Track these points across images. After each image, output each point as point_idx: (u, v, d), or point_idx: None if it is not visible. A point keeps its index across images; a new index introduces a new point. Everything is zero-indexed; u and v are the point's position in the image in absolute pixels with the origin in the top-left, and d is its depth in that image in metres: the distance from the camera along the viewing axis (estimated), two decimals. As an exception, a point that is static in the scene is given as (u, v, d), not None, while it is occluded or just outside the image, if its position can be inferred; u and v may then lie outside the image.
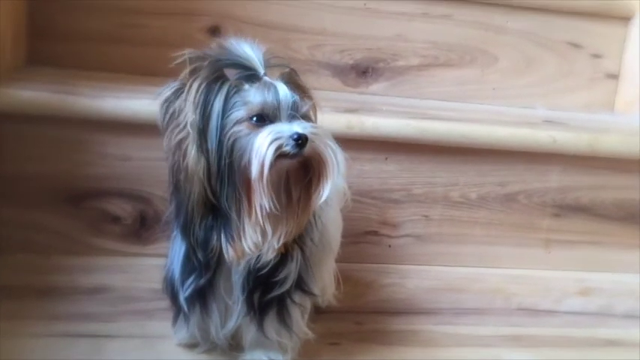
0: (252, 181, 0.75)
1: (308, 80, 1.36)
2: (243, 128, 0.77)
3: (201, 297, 0.84)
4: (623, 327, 1.10)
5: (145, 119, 1.10)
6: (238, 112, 0.78)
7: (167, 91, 0.81)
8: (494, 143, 1.22)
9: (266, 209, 0.76)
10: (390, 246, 1.23)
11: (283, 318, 0.85)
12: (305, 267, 0.87)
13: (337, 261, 1.05)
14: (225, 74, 0.79)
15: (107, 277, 1.06)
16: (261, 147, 0.75)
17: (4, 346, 0.86)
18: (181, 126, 0.78)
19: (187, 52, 0.80)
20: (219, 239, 0.78)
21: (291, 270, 0.84)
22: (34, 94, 1.08)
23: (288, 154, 0.76)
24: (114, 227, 1.14)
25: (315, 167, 0.79)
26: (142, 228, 1.14)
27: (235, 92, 0.78)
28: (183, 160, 0.78)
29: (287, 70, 0.83)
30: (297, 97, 0.80)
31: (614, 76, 1.58)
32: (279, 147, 0.76)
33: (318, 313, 0.98)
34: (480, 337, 1.02)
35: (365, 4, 1.45)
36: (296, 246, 0.84)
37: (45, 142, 1.10)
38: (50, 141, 1.10)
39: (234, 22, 1.39)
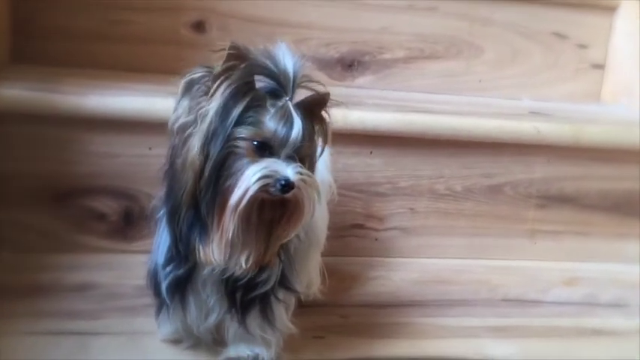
0: (228, 206, 0.75)
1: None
2: (243, 147, 0.76)
3: (180, 289, 0.84)
4: (608, 316, 1.11)
5: (130, 116, 1.10)
6: (247, 129, 0.76)
7: (195, 73, 0.78)
8: (479, 135, 1.23)
9: (231, 233, 0.76)
10: (376, 239, 1.24)
11: (266, 315, 0.85)
12: (289, 265, 0.87)
13: (323, 255, 1.05)
14: (254, 82, 0.77)
15: (93, 275, 1.06)
16: (249, 180, 0.74)
17: (-10, 344, 0.86)
18: (193, 117, 0.77)
19: (230, 44, 0.76)
20: (195, 237, 0.78)
21: (273, 271, 0.83)
22: (18, 93, 1.08)
23: (271, 192, 0.75)
24: (99, 225, 1.14)
25: (291, 209, 0.77)
26: (128, 225, 1.15)
27: (256, 106, 0.76)
28: (183, 147, 0.77)
29: (311, 97, 0.80)
30: (306, 135, 0.77)
31: (599, 67, 1.59)
32: (265, 185, 0.75)
33: (304, 306, 0.98)
34: (465, 328, 1.02)
35: (351, -3, 1.45)
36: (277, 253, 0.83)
37: (29, 141, 1.10)
38: (35, 139, 1.10)
39: (220, 16, 1.39)
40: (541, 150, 1.26)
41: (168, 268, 0.83)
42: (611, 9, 1.57)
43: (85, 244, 1.13)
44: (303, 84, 0.79)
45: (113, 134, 1.12)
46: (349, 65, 1.48)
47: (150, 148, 1.11)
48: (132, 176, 1.13)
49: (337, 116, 1.12)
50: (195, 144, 0.76)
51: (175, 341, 0.90)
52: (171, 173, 0.80)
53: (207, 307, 0.85)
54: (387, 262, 1.22)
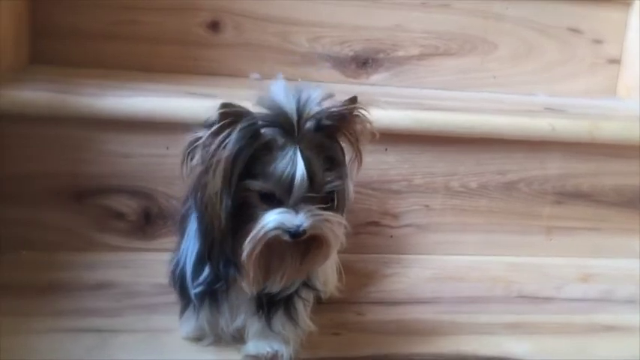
0: (244, 254, 0.77)
1: (309, 72, 1.44)
2: (253, 196, 0.77)
3: (213, 295, 0.85)
4: (623, 312, 1.11)
5: (147, 116, 1.12)
6: (254, 181, 0.77)
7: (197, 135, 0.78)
8: (494, 132, 1.23)
9: (252, 275, 0.78)
10: (391, 236, 1.24)
11: (290, 313, 0.86)
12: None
13: (339, 252, 1.06)
14: (257, 135, 0.77)
15: (112, 273, 1.08)
16: (257, 233, 0.76)
17: (9, 343, 0.87)
18: (205, 168, 0.77)
19: (221, 103, 0.76)
20: (232, 272, 0.80)
21: None
22: (36, 95, 1.10)
23: (285, 240, 0.76)
24: (118, 223, 1.15)
25: (317, 243, 0.79)
26: (147, 224, 1.16)
27: (264, 155, 0.77)
28: (203, 191, 0.78)
29: (321, 136, 0.79)
30: (318, 174, 0.77)
31: (615, 61, 1.58)
32: (275, 236, 0.76)
33: (321, 304, 0.99)
34: (480, 325, 1.03)
35: (363, -5, 1.45)
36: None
37: (48, 142, 1.11)
38: (53, 140, 1.11)
39: (233, 16, 1.40)
40: (556, 146, 1.26)
41: (200, 279, 0.84)
42: (626, 4, 1.56)
43: (104, 242, 1.15)
44: (314, 116, 0.78)
45: (130, 134, 1.13)
46: (363, 63, 1.48)
47: (167, 148, 1.12)
48: (149, 176, 1.14)
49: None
50: (210, 193, 0.77)
51: (196, 339, 0.91)
52: (199, 207, 0.80)
53: (237, 310, 0.87)
54: (402, 259, 1.22)
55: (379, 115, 1.17)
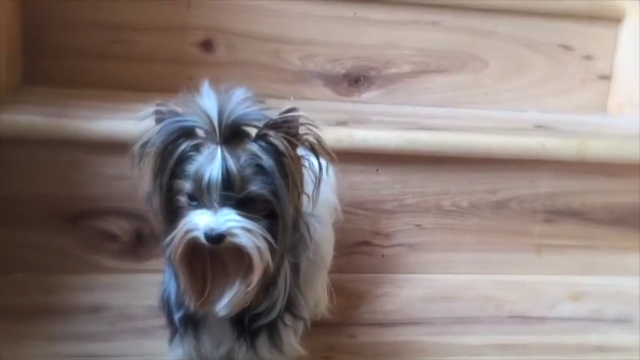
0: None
1: (301, 90, 1.45)
2: (183, 198, 0.78)
3: (193, 323, 0.86)
4: (614, 332, 1.11)
5: (139, 138, 1.12)
6: (179, 180, 0.78)
7: (137, 144, 0.80)
8: (484, 152, 1.24)
9: (183, 283, 0.78)
10: (383, 256, 1.25)
11: (274, 340, 0.87)
12: (296, 290, 0.88)
13: (331, 272, 1.07)
14: (189, 131, 0.78)
15: (105, 295, 1.09)
16: (177, 235, 0.76)
17: (5, 368, 0.88)
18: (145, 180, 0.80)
19: (155, 108, 0.78)
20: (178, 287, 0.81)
21: (276, 299, 0.84)
22: (30, 119, 1.11)
23: (203, 244, 0.76)
24: (111, 245, 1.16)
25: (244, 255, 0.77)
26: (139, 245, 1.17)
27: (191, 156, 0.77)
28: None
29: (257, 145, 0.78)
30: (245, 175, 0.76)
31: (606, 77, 1.59)
32: (192, 239, 0.76)
33: (312, 326, 1.00)
34: (470, 346, 1.04)
35: (355, 13, 1.46)
36: (279, 278, 0.84)
37: (41, 164, 1.12)
38: (47, 162, 1.12)
39: (226, 35, 1.41)
40: (546, 165, 1.26)
41: (179, 304, 0.84)
42: (616, 20, 1.57)
43: (97, 264, 1.15)
44: (239, 119, 0.77)
45: (122, 156, 1.12)
46: (355, 81, 1.49)
47: (159, 170, 1.13)
48: (140, 199, 1.14)
49: (342, 135, 1.18)
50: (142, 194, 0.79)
51: (187, 363, 0.92)
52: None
53: (219, 337, 0.87)
54: (394, 278, 1.23)
55: (370, 136, 1.21)
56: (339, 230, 1.09)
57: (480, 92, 1.54)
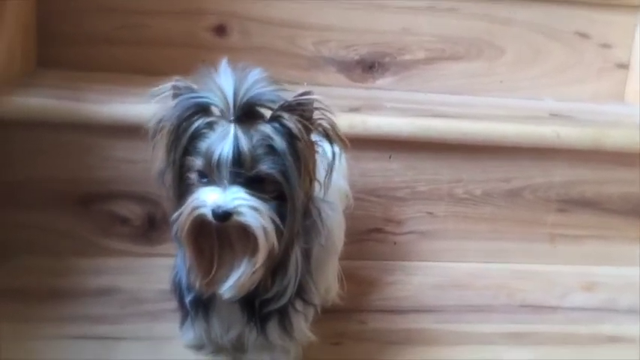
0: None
1: (315, 76, 1.44)
2: (194, 175, 0.78)
3: (203, 306, 0.86)
4: (627, 322, 1.10)
5: (150, 122, 1.12)
6: (193, 160, 0.78)
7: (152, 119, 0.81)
8: (498, 140, 1.23)
9: (190, 262, 0.79)
10: (395, 243, 1.25)
11: (284, 325, 0.86)
12: (307, 276, 0.88)
13: (342, 259, 1.07)
14: (204, 108, 0.78)
15: (116, 279, 1.09)
16: (185, 212, 0.76)
17: (13, 348, 0.88)
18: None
19: (172, 84, 0.79)
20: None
21: (287, 284, 0.84)
22: (43, 102, 1.11)
23: (210, 221, 0.76)
24: (123, 229, 1.16)
25: (250, 234, 0.77)
26: (151, 229, 1.17)
27: (204, 133, 0.77)
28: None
29: (271, 126, 0.78)
30: (243, 155, 0.75)
31: (623, 66, 1.57)
32: (200, 215, 0.76)
33: (322, 312, 0.99)
34: (482, 335, 1.03)
35: (370, -1, 1.45)
36: (289, 263, 0.84)
37: (54, 147, 1.12)
38: (59, 146, 1.12)
39: (239, 20, 1.40)
40: (561, 154, 1.25)
41: (190, 287, 0.85)
42: (634, 7, 1.54)
43: (109, 247, 1.16)
44: (254, 99, 0.77)
45: (135, 140, 1.12)
46: (369, 67, 1.48)
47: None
48: (152, 182, 1.14)
49: (355, 122, 1.17)
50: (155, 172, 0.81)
51: (197, 347, 0.92)
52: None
53: (229, 321, 0.87)
54: (405, 266, 1.23)
55: (384, 122, 1.20)
56: (352, 217, 1.08)
57: (496, 80, 1.52)
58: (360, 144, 1.16)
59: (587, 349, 1.02)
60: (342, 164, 1.03)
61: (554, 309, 1.13)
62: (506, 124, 1.25)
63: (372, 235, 1.24)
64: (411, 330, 1.02)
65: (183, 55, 1.38)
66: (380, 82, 1.49)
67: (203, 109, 0.78)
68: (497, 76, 1.52)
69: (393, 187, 1.23)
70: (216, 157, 0.75)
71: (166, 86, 0.80)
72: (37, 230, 1.14)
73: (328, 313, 1.02)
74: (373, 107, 1.29)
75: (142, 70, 1.36)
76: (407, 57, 1.49)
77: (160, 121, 0.80)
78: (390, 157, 1.21)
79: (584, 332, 1.06)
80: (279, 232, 0.78)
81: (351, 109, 1.25)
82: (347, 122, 1.16)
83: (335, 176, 1.01)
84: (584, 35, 1.54)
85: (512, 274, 1.24)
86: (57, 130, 1.11)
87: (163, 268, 0.95)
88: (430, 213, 1.25)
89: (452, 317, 1.07)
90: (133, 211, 1.16)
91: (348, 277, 1.08)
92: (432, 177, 1.24)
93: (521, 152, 1.24)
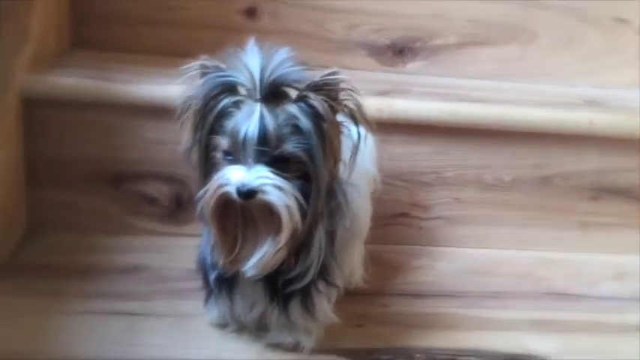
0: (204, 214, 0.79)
1: (344, 60, 1.43)
2: (219, 154, 0.79)
3: (227, 284, 0.87)
4: (656, 313, 1.09)
5: (178, 103, 1.13)
6: (219, 139, 0.79)
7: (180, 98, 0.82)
8: (528, 126, 1.21)
9: (214, 239, 0.80)
10: (421, 228, 1.24)
11: (307, 306, 0.87)
12: (331, 258, 0.89)
13: (368, 243, 1.07)
14: (230, 88, 0.79)
15: (144, 257, 1.10)
16: (210, 190, 0.77)
17: (43, 322, 0.91)
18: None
19: (200, 63, 0.80)
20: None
21: (310, 265, 0.85)
22: (75, 81, 1.13)
23: (234, 200, 0.76)
24: (151, 208, 1.18)
25: (274, 213, 0.77)
26: (178, 209, 1.18)
27: (230, 112, 0.78)
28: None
29: (297, 106, 0.78)
30: (269, 133, 0.76)
31: (662, 53, 1.53)
32: (224, 193, 0.76)
33: (345, 294, 1.00)
34: (503, 320, 1.02)
35: (401, -17, 1.43)
36: (312, 244, 0.84)
37: (86, 127, 1.14)
38: (91, 125, 1.14)
39: (270, 2, 1.40)
40: (594, 141, 1.23)
41: (214, 266, 0.86)
42: (676, -9, 1.50)
43: (137, 226, 1.17)
44: (280, 78, 0.77)
45: (164, 121, 1.13)
46: (400, 51, 1.47)
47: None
48: (181, 162, 1.15)
49: (382, 105, 1.17)
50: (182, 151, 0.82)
51: (221, 325, 0.94)
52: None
53: (252, 300, 0.88)
54: (431, 251, 1.22)
55: (411, 107, 1.19)
56: (378, 201, 1.09)
57: (529, 65, 1.49)
58: (388, 128, 1.17)
59: (613, 338, 1.01)
60: (370, 147, 1.03)
61: (580, 297, 1.12)
62: (538, 110, 1.23)
63: (399, 220, 1.23)
64: (432, 314, 1.02)
65: (214, 37, 1.39)
66: (410, 66, 1.47)
67: (230, 88, 0.79)
68: (531, 62, 1.49)
69: (420, 171, 1.22)
70: (242, 135, 0.76)
71: (194, 65, 0.80)
72: (68, 208, 1.16)
73: (351, 295, 1.02)
74: (402, 91, 1.28)
75: (174, 52, 1.36)
76: (438, 42, 1.47)
77: (187, 100, 0.81)
78: (417, 142, 1.20)
79: (611, 321, 1.05)
80: (302, 212, 0.78)
81: (379, 92, 1.24)
82: (375, 106, 1.16)
83: (363, 159, 1.01)
84: (621, 20, 1.50)
85: (539, 261, 1.22)
86: (88, 110, 1.13)
87: (189, 247, 0.96)
88: (457, 199, 1.24)
89: (474, 302, 1.07)
90: (161, 191, 1.17)
91: (374, 260, 1.08)
92: (460, 162, 1.22)
93: (553, 139, 1.22)
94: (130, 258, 1.10)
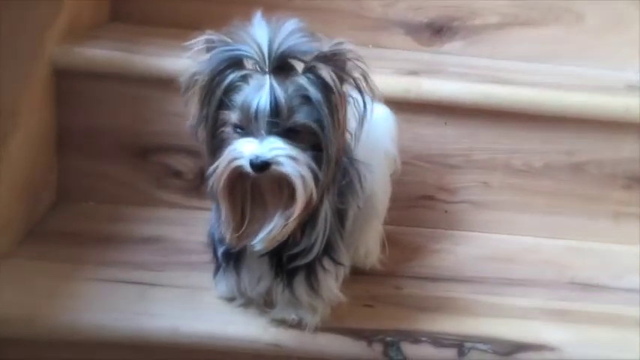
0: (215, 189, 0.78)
1: (380, 39, 1.41)
2: (229, 128, 0.79)
3: (234, 258, 0.88)
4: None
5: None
6: (228, 114, 0.78)
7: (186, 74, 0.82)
8: (562, 110, 1.17)
9: (224, 214, 0.79)
10: (446, 211, 1.22)
11: (311, 283, 0.87)
12: (337, 236, 0.88)
13: (389, 224, 1.06)
14: (237, 61, 0.78)
15: (164, 229, 1.12)
16: (221, 164, 0.77)
17: (57, 287, 0.93)
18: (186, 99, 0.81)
19: (205, 37, 0.79)
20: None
21: (315, 240, 0.84)
22: (105, 53, 1.15)
23: (247, 172, 0.76)
24: (176, 181, 1.20)
25: (287, 184, 0.77)
26: (202, 183, 1.19)
27: (239, 86, 0.78)
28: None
29: (305, 77, 0.78)
30: (280, 105, 0.75)
31: None
32: (238, 167, 0.76)
33: (359, 274, 1.00)
34: (521, 309, 0.99)
35: (442, -40, 1.40)
36: (318, 219, 0.84)
37: (113, 98, 1.17)
38: (118, 97, 1.17)
39: (306, -20, 1.39)
40: (631, 128, 1.18)
41: (223, 240, 0.86)
42: None
43: (161, 198, 1.20)
44: (289, 50, 0.77)
45: (189, 95, 1.16)
46: (438, 31, 1.44)
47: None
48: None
49: (410, 85, 1.15)
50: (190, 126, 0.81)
51: (229, 299, 0.94)
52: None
53: (258, 274, 0.89)
54: (454, 235, 1.20)
55: (440, 87, 1.17)
56: (402, 182, 1.08)
57: (572, 48, 1.44)
58: (415, 108, 1.15)
59: (629, 331, 0.96)
60: (390, 127, 1.02)
61: (604, 288, 1.08)
62: (573, 94, 1.19)
63: (423, 202, 1.22)
64: (444, 298, 1.00)
65: (248, 13, 1.38)
66: (448, 46, 1.45)
67: (236, 62, 0.79)
68: (574, 44, 1.44)
69: (447, 154, 1.20)
70: (253, 108, 0.76)
71: (200, 40, 0.80)
72: (96, 177, 1.19)
73: (365, 275, 1.02)
74: (435, 71, 1.26)
75: (209, 27, 1.37)
76: (477, 21, 1.44)
77: (193, 75, 0.81)
78: (445, 124, 1.18)
79: (629, 314, 1.00)
80: (316, 182, 0.78)
81: (409, 72, 1.22)
82: (402, 85, 1.15)
83: (382, 139, 1.01)
84: (674, 2, 1.43)
85: (565, 250, 1.18)
86: (117, 82, 1.15)
87: (209, 221, 0.97)
88: (485, 183, 1.21)
89: (490, 289, 1.04)
90: (186, 164, 1.19)
91: (393, 242, 1.07)
92: (489, 146, 1.20)
93: (588, 124, 1.18)
94: (149, 229, 1.12)
